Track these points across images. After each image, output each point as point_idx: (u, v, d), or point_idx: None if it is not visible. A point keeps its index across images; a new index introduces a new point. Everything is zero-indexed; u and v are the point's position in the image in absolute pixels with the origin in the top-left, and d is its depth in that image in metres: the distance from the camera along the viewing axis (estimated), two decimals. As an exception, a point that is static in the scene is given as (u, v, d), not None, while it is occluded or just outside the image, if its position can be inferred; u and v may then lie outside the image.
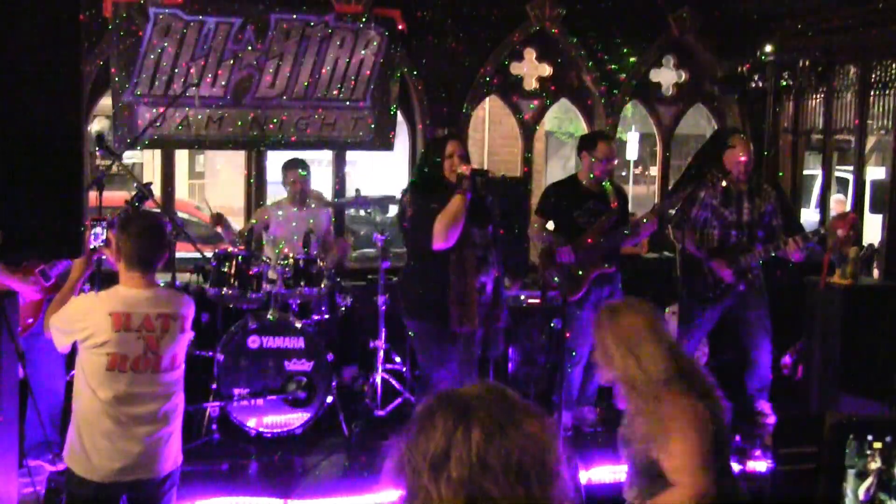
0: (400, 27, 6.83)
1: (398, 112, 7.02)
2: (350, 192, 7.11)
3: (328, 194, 7.10)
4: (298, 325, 5.57)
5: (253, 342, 5.50)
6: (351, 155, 7.28)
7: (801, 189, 7.97)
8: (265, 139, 6.74)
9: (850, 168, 7.86)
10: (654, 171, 10.55)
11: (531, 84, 7.45)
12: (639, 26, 7.48)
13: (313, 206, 6.31)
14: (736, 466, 5.11)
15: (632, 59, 7.49)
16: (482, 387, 1.66)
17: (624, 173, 18.26)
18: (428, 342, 4.76)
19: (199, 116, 6.55)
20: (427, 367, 4.80)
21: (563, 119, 17.39)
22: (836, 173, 9.24)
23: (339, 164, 7.21)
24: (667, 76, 7.83)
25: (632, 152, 17.81)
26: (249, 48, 6.55)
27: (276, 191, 7.01)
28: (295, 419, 5.50)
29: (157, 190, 6.11)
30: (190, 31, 6.41)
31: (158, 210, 5.76)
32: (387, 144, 7.03)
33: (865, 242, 6.66)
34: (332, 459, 5.34)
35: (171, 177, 7.01)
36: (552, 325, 5.97)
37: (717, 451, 2.95)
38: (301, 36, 6.63)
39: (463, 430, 1.56)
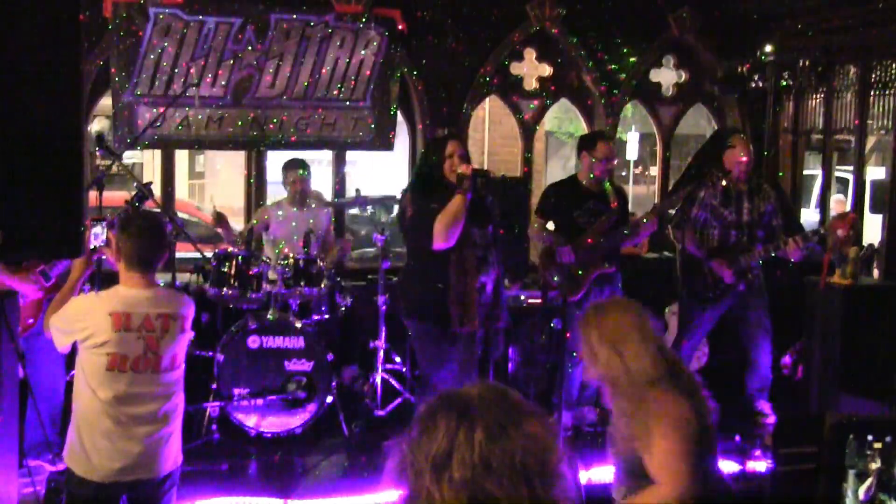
0: (400, 27, 6.83)
1: (398, 112, 7.02)
2: (350, 192, 7.09)
3: (328, 194, 7.11)
4: (298, 325, 5.57)
5: (253, 342, 5.50)
6: (351, 155, 7.29)
7: (801, 189, 7.98)
8: (265, 139, 6.74)
9: (850, 168, 7.86)
10: (654, 171, 10.55)
11: (531, 84, 7.45)
12: (639, 26, 7.48)
13: (313, 206, 6.31)
14: (736, 466, 5.13)
15: (632, 59, 7.49)
16: (484, 387, 1.66)
17: (624, 173, 18.26)
18: (428, 342, 4.75)
19: (199, 116, 6.55)
20: (427, 367, 4.80)
21: (563, 119, 17.38)
22: (836, 173, 9.24)
23: (339, 164, 7.21)
24: (667, 76, 7.83)
25: (632, 152, 17.81)
26: (249, 48, 6.56)
27: (276, 191, 7.01)
28: (295, 419, 5.50)
29: (157, 190, 6.11)
30: (190, 31, 6.41)
31: (158, 210, 5.76)
32: (387, 144, 7.03)
33: (865, 242, 6.66)
34: (332, 459, 5.34)
35: (171, 177, 7.01)
36: (552, 325, 5.97)
37: (702, 451, 2.92)
38: (301, 36, 6.63)
39: (465, 431, 1.56)
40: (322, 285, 5.69)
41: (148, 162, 16.01)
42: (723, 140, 6.13)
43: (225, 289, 5.51)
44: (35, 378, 4.51)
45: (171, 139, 6.64)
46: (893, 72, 6.75)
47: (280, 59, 6.61)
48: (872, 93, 6.89)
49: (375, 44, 6.79)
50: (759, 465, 5.14)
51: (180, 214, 8.71)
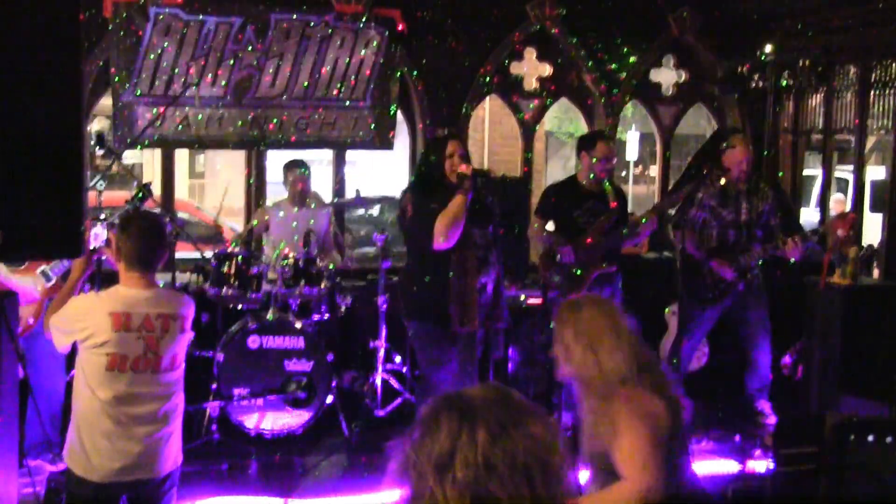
0: (400, 27, 6.83)
1: (398, 112, 7.02)
2: (350, 193, 7.09)
3: (328, 194, 7.11)
4: (298, 325, 5.57)
5: (253, 342, 5.50)
6: (351, 155, 7.28)
7: (801, 189, 7.98)
8: (265, 139, 6.74)
9: (850, 168, 7.86)
10: (654, 171, 10.55)
11: (531, 84, 7.44)
12: (639, 26, 7.48)
13: (313, 206, 6.31)
14: (736, 466, 5.13)
15: (632, 59, 7.49)
16: (486, 388, 1.66)
17: (624, 173, 18.26)
18: (428, 342, 4.75)
19: (199, 116, 6.55)
20: (427, 367, 4.80)
21: (563, 119, 17.39)
22: (836, 173, 9.25)
23: (339, 164, 7.21)
24: (667, 76, 7.82)
25: (632, 152, 17.82)
26: (249, 48, 6.55)
27: (276, 191, 7.01)
28: (295, 419, 5.50)
29: (157, 190, 6.10)
30: (190, 31, 6.40)
31: (158, 210, 5.76)
32: (387, 144, 7.03)
33: (865, 242, 6.66)
34: (332, 459, 5.34)
35: (171, 177, 7.01)
36: (552, 325, 5.95)
37: (672, 450, 2.90)
38: (301, 36, 6.63)
39: (468, 432, 1.56)
40: (322, 285, 5.69)
41: (148, 162, 16.02)
42: (723, 140, 6.13)
43: (225, 289, 5.50)
44: (35, 378, 4.51)
45: (171, 139, 6.64)
46: (893, 72, 6.76)
47: (280, 59, 6.61)
48: (872, 93, 6.89)
49: (375, 44, 6.79)
50: (759, 466, 5.14)
51: (180, 214, 8.72)
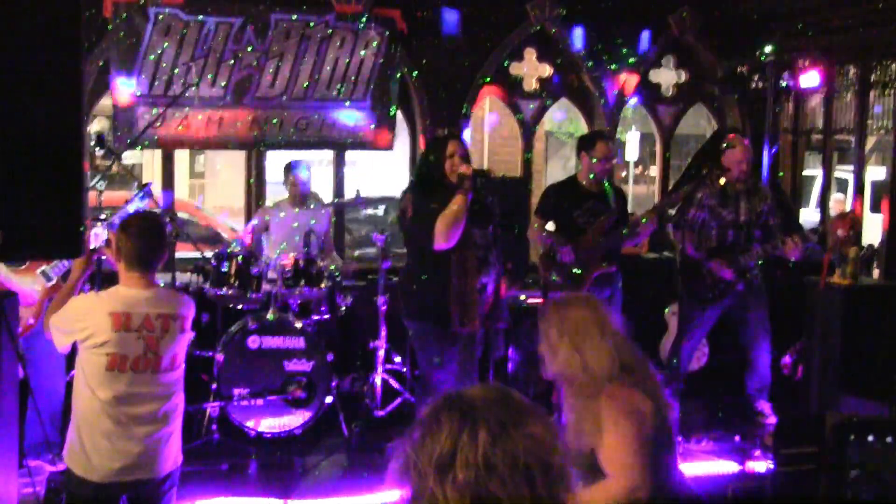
0: (400, 27, 6.83)
1: (398, 112, 7.02)
2: (350, 193, 7.09)
3: (328, 194, 7.10)
4: (298, 325, 5.57)
5: (253, 342, 5.50)
6: (351, 155, 7.28)
7: (801, 189, 7.98)
8: (265, 139, 6.74)
9: (850, 168, 7.86)
10: (654, 171, 10.55)
11: (531, 84, 7.44)
12: (639, 26, 7.48)
13: (313, 206, 6.31)
14: (736, 466, 5.13)
15: (632, 60, 7.48)
16: (486, 388, 1.66)
17: (624, 173, 18.26)
18: (428, 343, 4.74)
19: (199, 116, 6.54)
20: (427, 367, 4.79)
21: (563, 119, 17.37)
22: (836, 173, 9.25)
23: (339, 164, 7.21)
24: (667, 76, 7.82)
25: (632, 152, 17.81)
26: (249, 48, 6.55)
27: (276, 191, 7.01)
28: (295, 419, 5.50)
29: (156, 190, 6.10)
30: (190, 31, 6.40)
31: (158, 210, 5.76)
32: (387, 145, 7.03)
33: (865, 242, 6.66)
34: (332, 459, 5.34)
35: (171, 177, 7.01)
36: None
37: (657, 448, 2.88)
38: (301, 36, 6.63)
39: (469, 432, 1.55)
40: (322, 285, 5.69)
41: (148, 162, 16.01)
42: (722, 140, 6.13)
43: (225, 289, 5.50)
44: (35, 378, 4.50)
45: (171, 139, 6.64)
46: (893, 72, 6.76)
47: (280, 59, 6.61)
48: (872, 93, 6.89)
49: (375, 44, 6.79)
50: (759, 466, 5.14)
51: (180, 214, 8.71)
